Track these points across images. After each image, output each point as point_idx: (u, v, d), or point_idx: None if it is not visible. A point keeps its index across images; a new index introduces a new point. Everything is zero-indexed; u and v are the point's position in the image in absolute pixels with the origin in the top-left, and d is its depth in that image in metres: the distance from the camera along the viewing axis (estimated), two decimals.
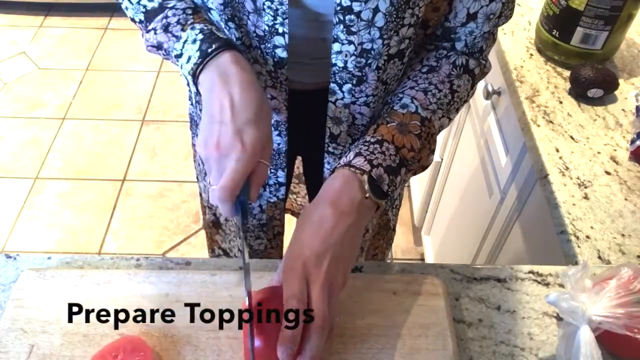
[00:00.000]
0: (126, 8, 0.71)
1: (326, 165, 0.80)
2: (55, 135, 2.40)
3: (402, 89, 0.70)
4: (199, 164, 0.95)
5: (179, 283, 0.67)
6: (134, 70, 2.72)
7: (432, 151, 0.69)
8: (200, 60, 0.61)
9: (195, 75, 0.62)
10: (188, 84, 0.65)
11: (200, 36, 0.62)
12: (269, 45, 0.66)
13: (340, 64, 0.67)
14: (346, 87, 0.69)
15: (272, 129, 0.76)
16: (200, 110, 0.82)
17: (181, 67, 0.64)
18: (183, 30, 0.64)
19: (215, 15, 0.67)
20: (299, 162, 1.02)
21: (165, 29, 0.66)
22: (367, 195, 0.61)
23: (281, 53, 0.66)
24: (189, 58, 0.62)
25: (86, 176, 2.25)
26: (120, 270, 0.69)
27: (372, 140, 0.64)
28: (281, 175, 0.82)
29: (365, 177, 0.61)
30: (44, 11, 3.04)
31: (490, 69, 0.77)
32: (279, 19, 0.63)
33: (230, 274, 0.68)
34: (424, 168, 0.69)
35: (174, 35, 0.65)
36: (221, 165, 0.58)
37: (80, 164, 2.29)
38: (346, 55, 0.65)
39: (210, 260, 0.72)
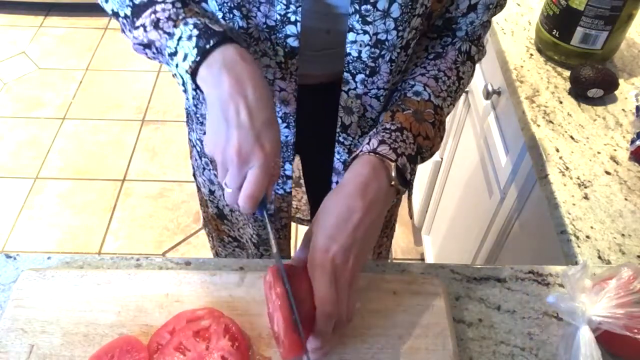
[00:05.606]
0: (105, 1, 0.68)
1: (336, 155, 0.81)
2: (55, 135, 2.40)
3: (412, 76, 0.72)
4: (196, 160, 0.94)
5: (179, 283, 0.67)
6: (134, 70, 2.72)
7: (442, 138, 0.71)
8: (198, 57, 0.59)
9: (194, 73, 0.60)
10: (184, 84, 0.63)
11: (196, 32, 0.60)
12: (280, 35, 0.66)
13: (355, 54, 0.67)
14: (359, 77, 0.70)
15: (280, 121, 0.76)
16: (196, 105, 0.81)
17: (176, 66, 0.62)
18: (175, 26, 0.62)
19: (212, 5, 0.66)
20: (296, 165, 1.02)
21: (156, 25, 0.63)
22: (393, 183, 0.62)
23: (293, 42, 0.66)
24: (186, 56, 0.60)
25: (86, 176, 2.25)
26: (120, 270, 0.69)
27: (392, 127, 0.65)
28: (288, 168, 0.82)
29: (393, 165, 0.62)
30: (44, 11, 3.04)
31: (486, 53, 0.81)
32: (292, 7, 0.62)
33: (230, 274, 0.68)
34: (432, 155, 0.71)
35: (165, 32, 0.62)
36: (241, 171, 0.57)
37: (80, 164, 2.29)
38: (360, 45, 0.66)
39: (210, 260, 0.72)
